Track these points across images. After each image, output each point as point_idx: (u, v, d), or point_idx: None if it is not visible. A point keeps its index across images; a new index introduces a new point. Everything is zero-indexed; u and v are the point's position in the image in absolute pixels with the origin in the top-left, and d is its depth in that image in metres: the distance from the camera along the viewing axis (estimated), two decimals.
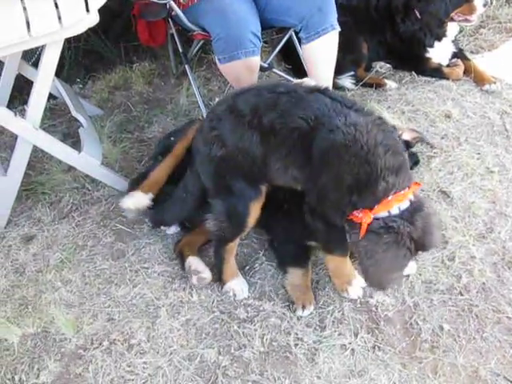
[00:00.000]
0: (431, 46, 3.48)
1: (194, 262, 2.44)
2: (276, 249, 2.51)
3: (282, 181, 2.25)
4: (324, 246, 2.33)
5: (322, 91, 2.17)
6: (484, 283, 2.36)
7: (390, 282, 2.13)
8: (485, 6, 3.35)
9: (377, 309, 2.29)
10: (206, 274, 2.41)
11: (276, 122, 2.13)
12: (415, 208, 1.99)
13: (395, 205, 1.97)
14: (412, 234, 1.96)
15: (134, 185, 2.62)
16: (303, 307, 2.29)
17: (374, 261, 1.99)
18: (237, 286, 2.39)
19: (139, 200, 2.51)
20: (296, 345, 2.19)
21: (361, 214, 1.99)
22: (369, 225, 1.98)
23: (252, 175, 2.23)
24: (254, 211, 2.27)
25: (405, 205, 1.98)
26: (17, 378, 2.18)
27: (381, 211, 1.97)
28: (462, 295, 2.32)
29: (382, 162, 1.96)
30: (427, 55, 3.52)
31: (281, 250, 2.48)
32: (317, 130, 2.06)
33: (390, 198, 1.97)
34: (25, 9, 2.23)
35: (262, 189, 2.27)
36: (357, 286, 2.33)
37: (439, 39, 3.47)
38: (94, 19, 2.43)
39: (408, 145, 2.64)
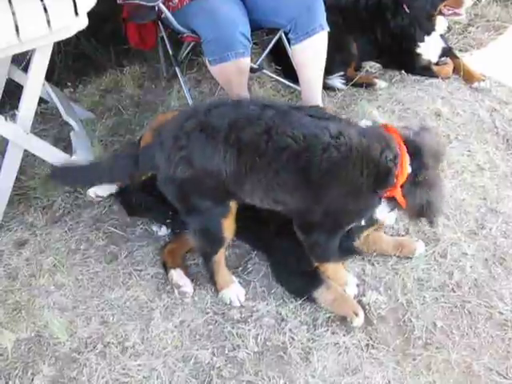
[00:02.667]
0: (421, 40, 3.49)
1: (175, 275, 2.43)
2: (287, 288, 2.39)
3: (256, 202, 2.19)
4: (320, 257, 2.29)
5: (297, 108, 2.17)
6: (476, 279, 2.37)
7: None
8: None
9: (370, 307, 2.29)
10: (187, 288, 2.40)
11: (261, 140, 2.02)
12: (413, 151, 2.11)
13: (406, 167, 2.08)
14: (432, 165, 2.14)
15: None
16: (356, 315, 2.22)
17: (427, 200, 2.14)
18: (232, 294, 2.35)
19: (102, 190, 2.74)
20: (290, 344, 2.20)
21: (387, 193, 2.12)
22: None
23: (219, 194, 2.15)
24: (227, 226, 2.22)
25: (408, 157, 2.09)
26: (11, 383, 2.17)
27: (402, 180, 2.09)
28: (454, 292, 2.33)
29: (379, 151, 2.05)
30: (418, 51, 3.53)
31: (292, 285, 2.38)
32: (309, 151, 2.01)
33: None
34: (14, 13, 2.23)
35: (231, 204, 2.20)
36: (352, 284, 2.34)
37: (428, 33, 3.48)
38: (83, 23, 2.43)
39: None
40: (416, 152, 2.12)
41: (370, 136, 2.09)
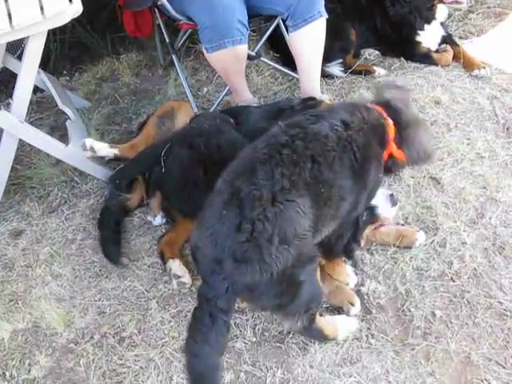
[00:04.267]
0: (421, 28, 3.45)
1: (174, 265, 2.40)
2: None
3: (328, 230, 2.02)
4: (335, 252, 2.23)
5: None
6: (475, 269, 2.35)
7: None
8: None
9: (368, 296, 2.28)
10: (186, 279, 2.38)
11: (325, 149, 1.90)
12: (383, 104, 2.16)
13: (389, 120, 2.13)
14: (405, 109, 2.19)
15: None
16: (352, 304, 2.21)
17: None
18: None
19: (101, 148, 2.76)
20: (288, 334, 2.18)
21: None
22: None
23: (311, 250, 1.93)
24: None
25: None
26: (8, 373, 2.17)
27: (392, 134, 2.12)
28: (453, 281, 2.32)
29: (376, 116, 2.10)
30: (417, 39, 3.49)
31: None
32: (350, 130, 1.96)
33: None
34: (6, 0, 2.20)
35: None
36: (352, 274, 2.32)
37: (429, 22, 3.44)
38: (77, 9, 2.39)
39: None
40: (385, 104, 2.14)
41: (360, 108, 2.08)
